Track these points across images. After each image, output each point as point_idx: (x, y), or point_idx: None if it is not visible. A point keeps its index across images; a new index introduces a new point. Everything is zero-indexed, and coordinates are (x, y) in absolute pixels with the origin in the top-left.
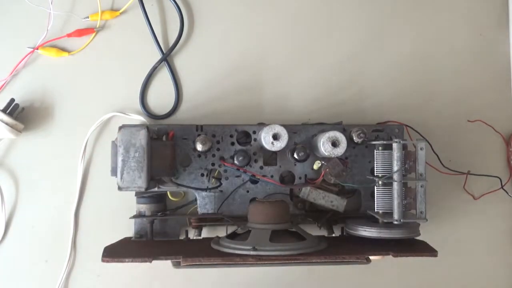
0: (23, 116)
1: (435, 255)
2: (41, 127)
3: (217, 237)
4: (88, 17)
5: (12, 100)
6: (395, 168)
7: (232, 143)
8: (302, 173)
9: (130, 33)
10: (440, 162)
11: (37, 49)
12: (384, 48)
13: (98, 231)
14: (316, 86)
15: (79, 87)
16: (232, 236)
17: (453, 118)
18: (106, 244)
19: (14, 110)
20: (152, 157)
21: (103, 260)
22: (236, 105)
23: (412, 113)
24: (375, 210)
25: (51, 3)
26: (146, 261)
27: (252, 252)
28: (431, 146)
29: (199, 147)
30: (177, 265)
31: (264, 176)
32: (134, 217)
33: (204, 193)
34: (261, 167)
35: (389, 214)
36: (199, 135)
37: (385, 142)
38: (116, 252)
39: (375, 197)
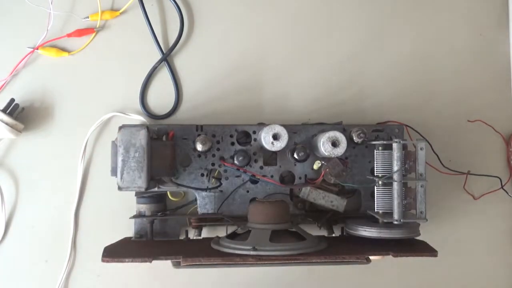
0: (23, 116)
1: (435, 255)
2: (41, 127)
3: (217, 237)
4: (88, 17)
5: (12, 100)
6: (395, 168)
7: (232, 143)
8: (302, 173)
9: (130, 33)
10: (440, 162)
11: (37, 49)
12: (384, 48)
13: (98, 231)
14: (316, 86)
15: (79, 87)
16: (232, 236)
17: (453, 118)
18: (106, 244)
19: (14, 110)
20: (152, 157)
21: (103, 260)
22: (236, 105)
23: (412, 113)
24: (375, 210)
25: (51, 3)
26: (146, 261)
27: (252, 252)
28: (431, 146)
29: (199, 147)
30: (177, 265)
31: (264, 176)
32: (134, 217)
33: (204, 193)
34: (261, 167)
35: (389, 214)
36: (199, 135)
37: (385, 142)
38: (116, 252)
39: (375, 197)
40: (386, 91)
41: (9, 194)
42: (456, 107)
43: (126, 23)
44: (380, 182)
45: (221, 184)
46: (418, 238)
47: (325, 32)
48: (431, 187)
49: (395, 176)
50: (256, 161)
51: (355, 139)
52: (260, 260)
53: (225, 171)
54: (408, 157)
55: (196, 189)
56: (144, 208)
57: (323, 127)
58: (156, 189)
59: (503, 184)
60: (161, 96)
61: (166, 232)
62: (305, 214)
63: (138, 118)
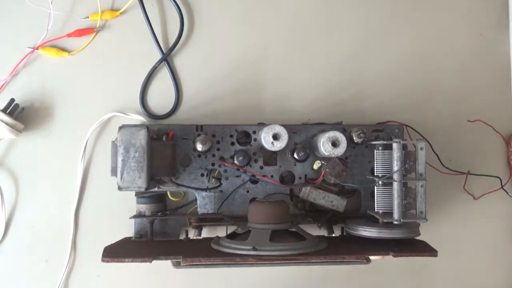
0: (23, 116)
1: (435, 255)
2: (41, 127)
3: (217, 237)
4: (88, 17)
5: (12, 100)
6: (395, 168)
7: (232, 143)
8: (302, 173)
9: (130, 33)
10: (440, 162)
11: (37, 49)
12: (384, 48)
13: (98, 231)
14: (316, 86)
15: (79, 87)
16: (232, 236)
17: (453, 118)
18: (106, 244)
19: (14, 110)
20: (152, 157)
21: (103, 260)
22: (236, 105)
23: (412, 113)
24: (375, 210)
25: (51, 3)
26: (146, 261)
27: (252, 252)
28: (431, 146)
29: (199, 147)
30: (177, 265)
31: (264, 176)
32: (134, 217)
33: (204, 193)
34: (261, 167)
35: (389, 214)
36: (199, 135)
37: (385, 142)
38: (116, 252)
39: (375, 197)
40: (386, 91)
41: (9, 194)
42: (456, 107)
43: (126, 23)
44: (380, 182)
45: (221, 184)
46: (418, 238)
47: (325, 32)
48: (431, 187)
49: (395, 176)
50: (256, 161)
51: (355, 139)
52: (260, 260)
53: (225, 171)
54: (408, 157)
55: (196, 189)
56: (144, 208)
57: (323, 127)
58: (156, 189)
59: (503, 184)
60: (161, 96)
61: (166, 232)
62: (305, 214)
63: (138, 118)
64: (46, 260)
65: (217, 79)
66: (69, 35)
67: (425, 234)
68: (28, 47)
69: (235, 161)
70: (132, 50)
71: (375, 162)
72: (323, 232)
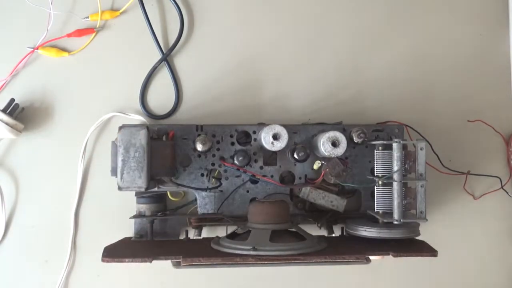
0: (23, 116)
1: (435, 255)
2: (41, 127)
3: (217, 237)
4: (88, 17)
5: (12, 100)
6: (395, 168)
7: (232, 143)
8: (302, 173)
9: (130, 33)
10: (440, 162)
11: (37, 49)
12: (384, 48)
13: (98, 231)
14: (316, 86)
15: (79, 87)
16: (232, 236)
17: (453, 118)
18: (106, 244)
19: (14, 110)
20: (152, 157)
21: (103, 260)
22: (236, 105)
23: (412, 113)
24: (375, 210)
25: (51, 3)
26: (146, 261)
27: (252, 252)
28: (431, 146)
29: (199, 147)
30: (177, 265)
31: (264, 176)
32: (134, 217)
33: (204, 193)
34: (261, 167)
35: (389, 214)
36: (199, 135)
37: (385, 142)
38: (116, 252)
39: (375, 197)
40: (386, 91)
41: (9, 194)
42: (456, 107)
43: (126, 23)
44: (380, 182)
45: (221, 184)
46: (418, 238)
47: (325, 32)
48: (431, 187)
49: (395, 176)
50: (256, 161)
51: (355, 139)
52: (260, 260)
53: (225, 171)
54: (408, 157)
55: (196, 189)
56: (144, 208)
57: (323, 127)
58: (156, 189)
59: (503, 184)
60: (161, 96)
61: (166, 232)
62: (305, 214)
63: (138, 118)
64: (46, 260)
65: (217, 79)
66: (69, 35)
67: (425, 234)
68: (28, 47)
69: (235, 161)
70: (132, 50)
71: (375, 162)
72: (323, 232)
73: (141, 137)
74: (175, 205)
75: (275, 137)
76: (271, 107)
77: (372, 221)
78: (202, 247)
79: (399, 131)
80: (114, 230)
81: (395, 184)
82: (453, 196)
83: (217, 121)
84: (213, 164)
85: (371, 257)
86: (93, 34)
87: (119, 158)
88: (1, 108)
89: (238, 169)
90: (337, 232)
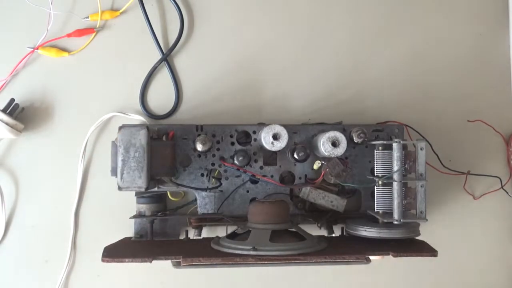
0: (23, 116)
1: (435, 255)
2: (41, 127)
3: (217, 237)
4: (88, 17)
5: (12, 100)
6: (395, 168)
7: (232, 143)
8: (302, 173)
9: (130, 33)
10: (440, 162)
11: (37, 49)
12: (384, 48)
13: (98, 231)
14: (316, 86)
15: (79, 87)
16: (232, 236)
17: (453, 118)
18: (106, 244)
19: (14, 110)
20: (152, 157)
21: (103, 260)
22: (236, 105)
23: (412, 113)
24: (375, 210)
25: (51, 3)
26: (146, 261)
27: (252, 252)
28: (431, 146)
29: (199, 147)
30: (177, 265)
31: (264, 176)
32: (134, 217)
33: (204, 193)
34: (261, 167)
35: (389, 214)
36: (199, 135)
37: (385, 142)
38: (116, 252)
39: (375, 197)
40: (386, 91)
41: (9, 194)
42: (456, 107)
43: (126, 23)
44: (380, 182)
45: (221, 184)
46: (418, 238)
47: (325, 32)
48: (431, 187)
49: (395, 176)
50: (256, 161)
51: (355, 139)
52: (260, 260)
53: (225, 171)
54: (408, 157)
55: (196, 189)
56: (144, 208)
57: (323, 127)
58: (156, 189)
59: (503, 184)
60: (161, 96)
61: (166, 232)
62: (305, 214)
63: (138, 118)
64: (46, 260)
65: (217, 79)
66: (69, 35)
67: (425, 234)
68: (28, 47)
69: (235, 161)
70: (132, 50)
71: (375, 162)
72: (323, 232)
73: (141, 137)
74: (175, 205)
75: (275, 137)
76: (271, 107)
77: (372, 221)
78: (202, 247)
79: (399, 131)
80: (114, 230)
81: (395, 184)
82: (453, 196)
83: (217, 121)
84: (213, 164)
85: (371, 257)
86: (93, 34)
87: (119, 158)
88: (1, 108)
89: (238, 169)
90: (337, 232)
